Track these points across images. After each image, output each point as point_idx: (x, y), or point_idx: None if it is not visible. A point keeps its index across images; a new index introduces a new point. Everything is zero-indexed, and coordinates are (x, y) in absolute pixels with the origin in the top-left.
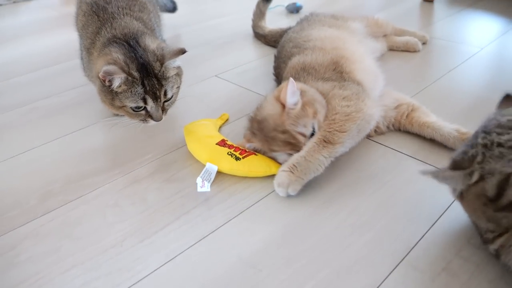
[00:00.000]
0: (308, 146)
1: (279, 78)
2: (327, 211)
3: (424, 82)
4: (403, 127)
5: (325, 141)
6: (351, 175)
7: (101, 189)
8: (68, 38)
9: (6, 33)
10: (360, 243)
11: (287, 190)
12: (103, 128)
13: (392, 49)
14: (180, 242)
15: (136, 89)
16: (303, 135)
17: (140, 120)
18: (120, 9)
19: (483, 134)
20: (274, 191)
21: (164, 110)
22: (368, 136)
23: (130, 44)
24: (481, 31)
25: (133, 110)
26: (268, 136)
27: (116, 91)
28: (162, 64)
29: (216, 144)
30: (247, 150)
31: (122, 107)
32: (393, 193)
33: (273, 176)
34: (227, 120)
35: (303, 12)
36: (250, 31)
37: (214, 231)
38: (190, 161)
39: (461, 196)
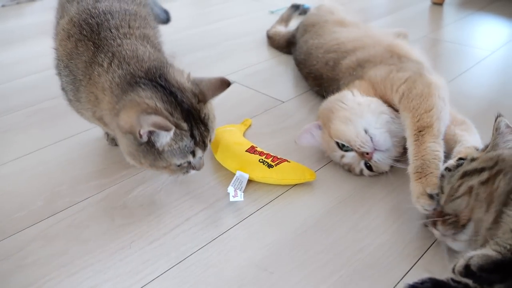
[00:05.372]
0: (411, 146)
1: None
2: (339, 214)
3: None
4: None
5: (420, 130)
6: (362, 179)
7: (108, 190)
8: None
9: (11, 35)
10: (373, 246)
11: (428, 191)
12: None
13: None
14: (189, 244)
15: (185, 143)
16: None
17: (182, 173)
18: (114, 30)
19: None
20: (284, 193)
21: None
22: None
23: (162, 85)
24: (492, 35)
25: (177, 166)
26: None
27: (160, 150)
28: (204, 104)
29: (245, 151)
30: (278, 157)
31: (167, 167)
32: (404, 197)
33: (307, 183)
34: (250, 125)
35: None
36: (257, 33)
37: (224, 233)
38: None
39: None
